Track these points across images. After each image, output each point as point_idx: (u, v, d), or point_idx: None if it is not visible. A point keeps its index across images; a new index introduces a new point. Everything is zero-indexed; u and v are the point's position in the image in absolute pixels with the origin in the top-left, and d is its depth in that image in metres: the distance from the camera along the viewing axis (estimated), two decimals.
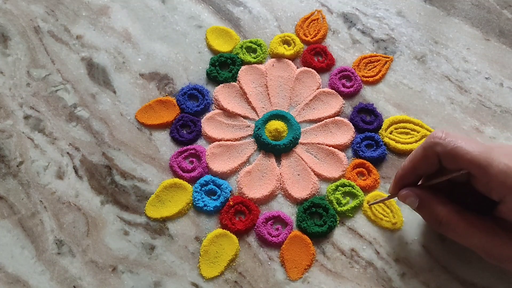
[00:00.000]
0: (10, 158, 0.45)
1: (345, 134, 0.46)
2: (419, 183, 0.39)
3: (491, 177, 0.32)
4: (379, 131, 0.46)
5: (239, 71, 0.50)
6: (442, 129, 0.36)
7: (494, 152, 0.33)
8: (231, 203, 0.42)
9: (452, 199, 0.37)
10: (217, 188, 0.43)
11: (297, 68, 0.50)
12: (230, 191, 0.43)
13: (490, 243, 0.34)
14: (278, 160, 0.45)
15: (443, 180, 0.36)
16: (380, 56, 0.51)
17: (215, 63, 0.50)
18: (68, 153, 0.46)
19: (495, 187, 0.33)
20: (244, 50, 0.51)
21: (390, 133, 0.46)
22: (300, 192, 0.43)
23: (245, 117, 0.48)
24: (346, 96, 0.48)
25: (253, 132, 0.47)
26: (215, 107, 0.48)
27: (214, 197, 0.43)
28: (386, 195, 0.43)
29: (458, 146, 0.34)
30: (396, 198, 0.39)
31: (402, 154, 0.45)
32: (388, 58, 0.50)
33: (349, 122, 0.47)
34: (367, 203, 0.42)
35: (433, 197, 0.36)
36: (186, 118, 0.47)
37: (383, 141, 0.45)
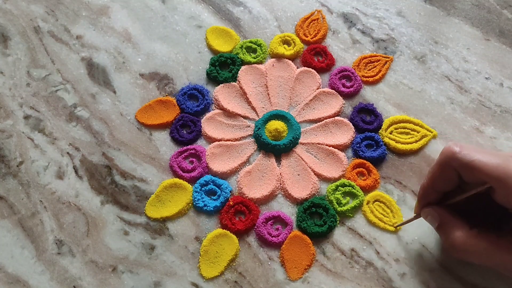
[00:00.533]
0: (10, 158, 0.45)
1: (345, 134, 0.46)
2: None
3: (510, 189, 0.32)
4: (379, 131, 0.46)
5: (239, 71, 0.50)
6: (456, 141, 0.35)
7: (511, 163, 0.32)
8: (231, 203, 0.42)
9: (469, 211, 0.36)
10: (217, 188, 0.43)
11: (297, 68, 0.50)
12: (230, 191, 0.43)
13: None
14: (278, 160, 0.45)
15: (466, 197, 0.35)
16: (380, 56, 0.51)
17: (215, 63, 0.50)
18: (68, 153, 0.46)
19: None
20: (244, 50, 0.51)
21: (390, 133, 0.46)
22: (300, 192, 0.43)
23: (245, 117, 0.48)
24: (346, 96, 0.48)
25: (253, 132, 0.47)
26: (215, 107, 0.48)
27: (214, 197, 0.43)
28: (386, 195, 0.43)
29: (474, 160, 0.33)
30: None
31: (402, 154, 0.45)
32: (388, 58, 0.50)
33: (349, 122, 0.47)
34: (394, 226, 0.41)
35: (452, 220, 0.36)
36: (186, 118, 0.47)
37: (383, 141, 0.45)
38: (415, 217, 0.39)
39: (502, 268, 0.34)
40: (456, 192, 0.36)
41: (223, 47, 0.52)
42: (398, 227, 0.41)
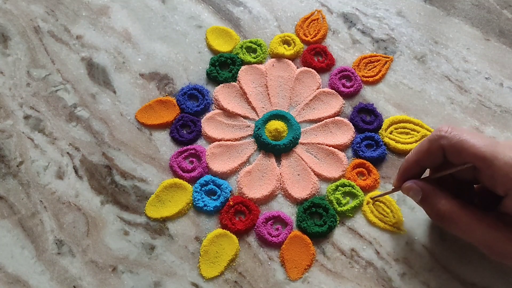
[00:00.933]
0: (10, 158, 0.45)
1: (345, 134, 0.46)
2: (424, 176, 0.39)
3: (496, 170, 0.32)
4: (379, 131, 0.46)
5: (239, 71, 0.50)
6: (448, 124, 0.36)
7: (499, 146, 0.33)
8: (231, 203, 0.42)
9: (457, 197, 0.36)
10: (217, 188, 0.43)
11: (297, 68, 0.50)
12: (230, 191, 0.43)
13: (493, 238, 0.33)
14: (278, 160, 0.45)
15: (447, 174, 0.36)
16: (380, 56, 0.51)
17: (215, 63, 0.50)
18: (68, 153, 0.46)
19: (500, 180, 0.33)
20: (244, 50, 0.51)
21: (390, 133, 0.46)
22: (300, 192, 0.43)
23: (245, 117, 0.48)
24: (346, 96, 0.48)
25: (253, 132, 0.47)
26: (215, 107, 0.48)
27: (214, 197, 0.43)
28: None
29: (463, 140, 0.34)
30: (400, 192, 0.39)
31: (402, 154, 0.45)
32: (388, 58, 0.50)
33: (349, 122, 0.47)
34: (371, 198, 0.42)
35: (436, 191, 0.36)
36: (186, 118, 0.47)
37: (383, 141, 0.45)
38: (394, 190, 0.40)
39: (483, 245, 0.34)
40: (439, 171, 0.37)
41: (223, 47, 0.52)
42: (374, 199, 0.42)
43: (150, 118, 0.47)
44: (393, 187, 0.40)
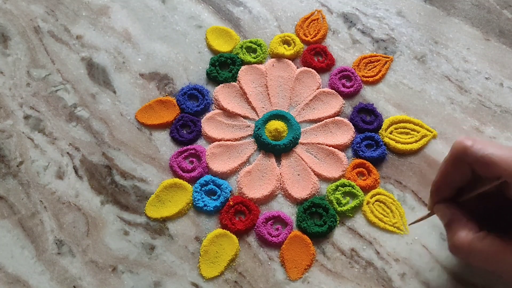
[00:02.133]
0: (10, 158, 0.45)
1: (345, 134, 0.46)
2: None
3: None
4: (379, 131, 0.46)
5: (239, 71, 0.50)
6: (466, 136, 0.33)
7: None
8: (231, 203, 0.42)
9: (482, 211, 0.35)
10: (217, 188, 0.43)
11: (297, 68, 0.50)
12: (230, 191, 0.43)
13: None
14: (278, 160, 0.45)
15: (480, 194, 0.34)
16: (380, 56, 0.51)
17: (215, 63, 0.50)
18: (68, 153, 0.46)
19: None
20: (244, 50, 0.51)
21: (390, 133, 0.46)
22: (300, 192, 0.43)
23: (245, 117, 0.48)
24: (346, 96, 0.48)
25: (253, 132, 0.47)
26: (215, 107, 0.48)
27: (214, 197, 0.43)
28: (386, 192, 0.43)
29: (489, 153, 0.32)
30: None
31: (402, 154, 0.45)
32: (388, 58, 0.50)
33: (349, 122, 0.47)
34: (408, 224, 0.41)
35: (461, 221, 0.34)
36: (186, 118, 0.47)
37: (383, 141, 0.45)
38: (429, 215, 0.38)
39: (506, 274, 0.33)
40: (470, 187, 0.35)
41: (223, 47, 0.52)
42: (410, 225, 0.40)
43: (150, 118, 0.47)
44: (429, 212, 0.38)
